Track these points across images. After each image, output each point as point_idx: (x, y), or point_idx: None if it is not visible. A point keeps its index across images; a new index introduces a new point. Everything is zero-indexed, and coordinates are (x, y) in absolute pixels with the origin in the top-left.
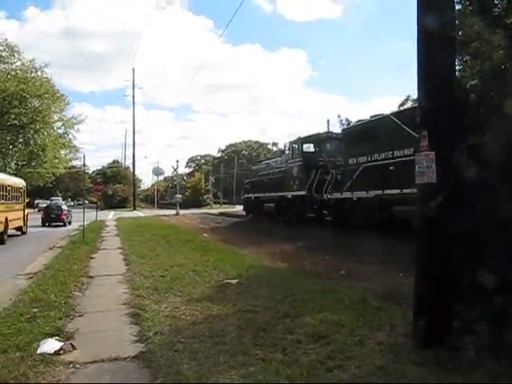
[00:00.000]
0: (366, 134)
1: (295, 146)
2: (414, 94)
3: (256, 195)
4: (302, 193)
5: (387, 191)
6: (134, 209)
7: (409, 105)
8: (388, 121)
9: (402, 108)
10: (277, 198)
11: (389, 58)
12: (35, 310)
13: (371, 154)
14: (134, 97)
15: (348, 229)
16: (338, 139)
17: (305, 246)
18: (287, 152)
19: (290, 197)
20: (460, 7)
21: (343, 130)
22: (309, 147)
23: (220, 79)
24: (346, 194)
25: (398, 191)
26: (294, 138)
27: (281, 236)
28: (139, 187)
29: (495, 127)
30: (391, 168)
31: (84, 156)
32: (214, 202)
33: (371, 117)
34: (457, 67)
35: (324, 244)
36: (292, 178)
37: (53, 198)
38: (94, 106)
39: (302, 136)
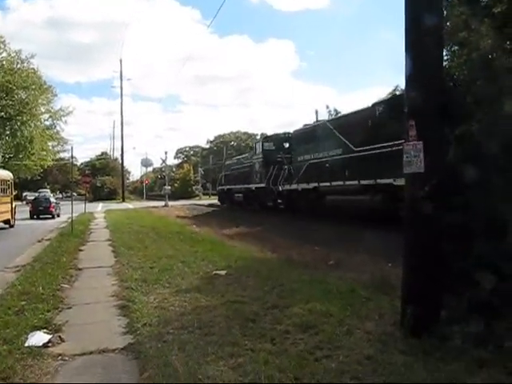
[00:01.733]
0: (310, 137)
1: (258, 144)
2: (403, 84)
3: (228, 187)
4: (263, 185)
5: (322, 184)
6: (123, 200)
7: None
8: (325, 126)
9: (339, 114)
10: (244, 189)
11: (378, 48)
12: (23, 302)
13: (313, 153)
14: (121, 88)
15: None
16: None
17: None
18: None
19: (253, 188)
20: None
21: (294, 131)
22: (269, 146)
23: (208, 70)
24: (294, 186)
25: (329, 184)
26: (283, 131)
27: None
28: (128, 179)
29: (482, 117)
30: (327, 165)
31: (72, 148)
32: (203, 194)
33: (315, 122)
34: (444, 57)
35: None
36: (255, 172)
37: (41, 190)
38: (80, 97)
39: (264, 136)
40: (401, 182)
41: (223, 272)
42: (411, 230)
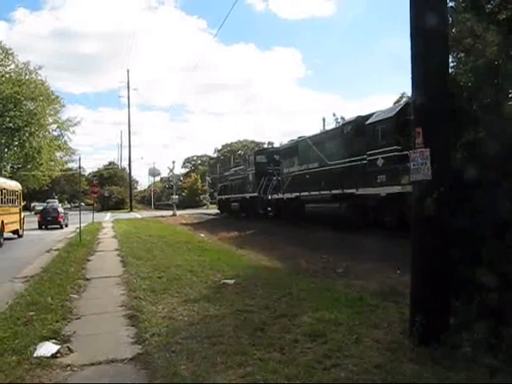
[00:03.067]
0: (294, 151)
1: (251, 157)
2: (409, 92)
3: (226, 196)
4: (255, 194)
5: (302, 193)
6: (131, 210)
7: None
8: (305, 142)
9: (317, 132)
10: (239, 198)
11: (384, 54)
12: (32, 313)
13: (296, 166)
14: (129, 98)
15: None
16: None
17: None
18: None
19: (247, 197)
20: (453, 4)
21: (281, 146)
22: (261, 158)
23: (214, 79)
24: (281, 196)
25: (307, 193)
26: (291, 138)
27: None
28: (136, 188)
29: (489, 123)
30: (307, 177)
31: (80, 158)
32: (211, 203)
33: (298, 137)
34: (450, 64)
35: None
36: (249, 183)
37: (49, 200)
38: (87, 107)
39: (256, 150)
40: (362, 191)
41: (231, 281)
42: (419, 238)
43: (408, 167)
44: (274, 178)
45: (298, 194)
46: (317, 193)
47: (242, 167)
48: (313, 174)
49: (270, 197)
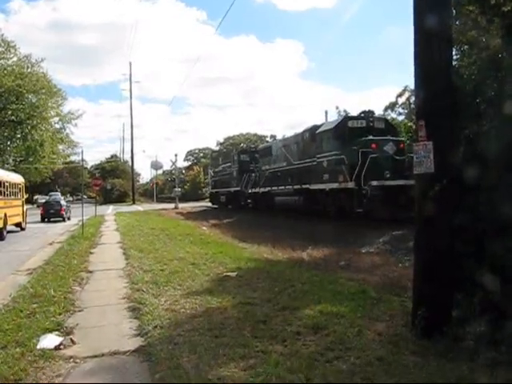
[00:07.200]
0: (269, 151)
1: (235, 156)
2: (412, 84)
3: (216, 190)
4: (238, 188)
5: (273, 188)
6: (134, 203)
7: (406, 95)
8: (277, 144)
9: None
10: (226, 192)
11: (387, 47)
12: (35, 305)
13: (270, 164)
14: (131, 91)
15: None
16: None
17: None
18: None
19: (232, 191)
20: None
21: (259, 146)
22: (244, 157)
23: (215, 72)
24: (258, 190)
25: (276, 188)
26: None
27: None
28: (138, 181)
29: (493, 117)
30: (278, 174)
31: (82, 151)
32: None
33: (272, 140)
34: (454, 56)
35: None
36: (233, 179)
37: (51, 193)
38: (88, 99)
39: (240, 149)
40: (314, 186)
41: (234, 274)
42: (421, 231)
43: (342, 169)
44: (253, 174)
45: (270, 188)
46: (283, 187)
47: (229, 164)
48: (281, 172)
49: (249, 191)
